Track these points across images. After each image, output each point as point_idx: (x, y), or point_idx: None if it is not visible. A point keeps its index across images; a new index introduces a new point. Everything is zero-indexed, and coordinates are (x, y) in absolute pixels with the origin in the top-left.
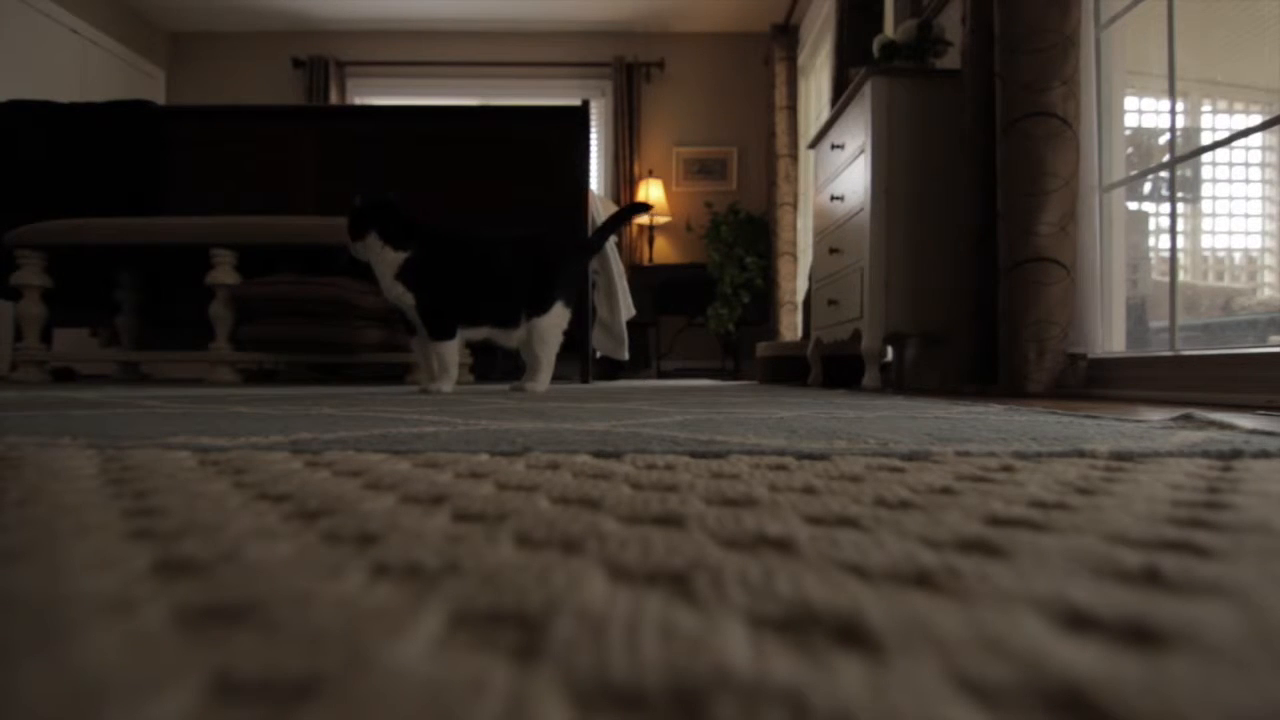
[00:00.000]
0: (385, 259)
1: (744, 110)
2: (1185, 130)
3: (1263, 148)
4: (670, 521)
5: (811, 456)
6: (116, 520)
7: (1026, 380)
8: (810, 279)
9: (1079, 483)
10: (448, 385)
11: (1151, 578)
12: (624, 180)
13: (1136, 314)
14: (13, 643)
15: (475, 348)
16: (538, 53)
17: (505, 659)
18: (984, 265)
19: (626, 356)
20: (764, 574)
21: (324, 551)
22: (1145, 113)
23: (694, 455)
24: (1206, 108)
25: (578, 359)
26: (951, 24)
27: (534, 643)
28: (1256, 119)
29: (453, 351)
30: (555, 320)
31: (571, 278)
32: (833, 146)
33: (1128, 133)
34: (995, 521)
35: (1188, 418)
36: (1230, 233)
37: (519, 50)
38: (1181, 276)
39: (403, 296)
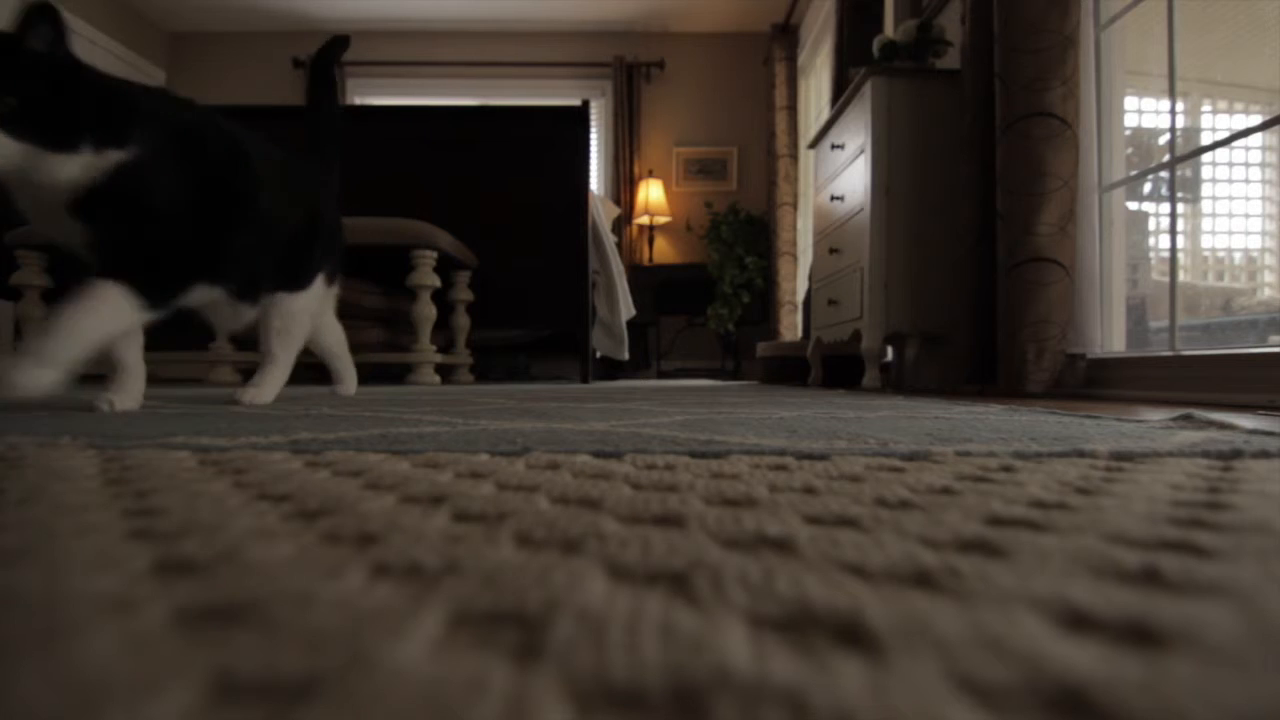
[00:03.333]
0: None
1: (744, 110)
2: (1185, 130)
3: (1263, 148)
4: (670, 521)
5: (811, 456)
6: (116, 520)
7: (1025, 380)
8: (810, 279)
9: (1079, 483)
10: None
11: (1151, 578)
12: (624, 180)
13: (1136, 314)
14: (13, 643)
15: (475, 348)
16: (538, 53)
17: (505, 659)
18: (983, 265)
19: (626, 356)
20: (764, 574)
21: (324, 551)
22: (1145, 113)
23: (694, 455)
24: (1206, 108)
25: (578, 359)
26: (951, 24)
27: (534, 643)
28: (1256, 119)
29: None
30: (307, 303)
31: (337, 234)
32: (833, 146)
33: (1128, 133)
34: (995, 521)
35: (1188, 418)
36: (1230, 233)
37: (519, 50)
38: (1181, 276)
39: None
